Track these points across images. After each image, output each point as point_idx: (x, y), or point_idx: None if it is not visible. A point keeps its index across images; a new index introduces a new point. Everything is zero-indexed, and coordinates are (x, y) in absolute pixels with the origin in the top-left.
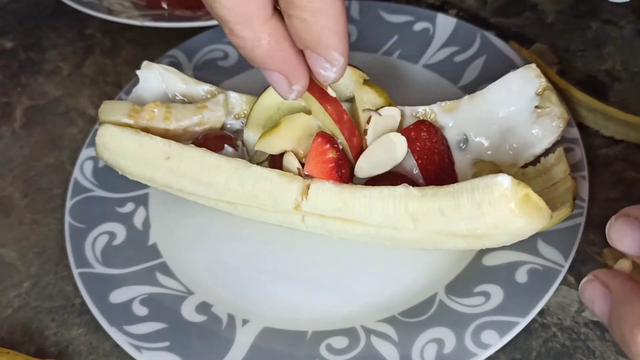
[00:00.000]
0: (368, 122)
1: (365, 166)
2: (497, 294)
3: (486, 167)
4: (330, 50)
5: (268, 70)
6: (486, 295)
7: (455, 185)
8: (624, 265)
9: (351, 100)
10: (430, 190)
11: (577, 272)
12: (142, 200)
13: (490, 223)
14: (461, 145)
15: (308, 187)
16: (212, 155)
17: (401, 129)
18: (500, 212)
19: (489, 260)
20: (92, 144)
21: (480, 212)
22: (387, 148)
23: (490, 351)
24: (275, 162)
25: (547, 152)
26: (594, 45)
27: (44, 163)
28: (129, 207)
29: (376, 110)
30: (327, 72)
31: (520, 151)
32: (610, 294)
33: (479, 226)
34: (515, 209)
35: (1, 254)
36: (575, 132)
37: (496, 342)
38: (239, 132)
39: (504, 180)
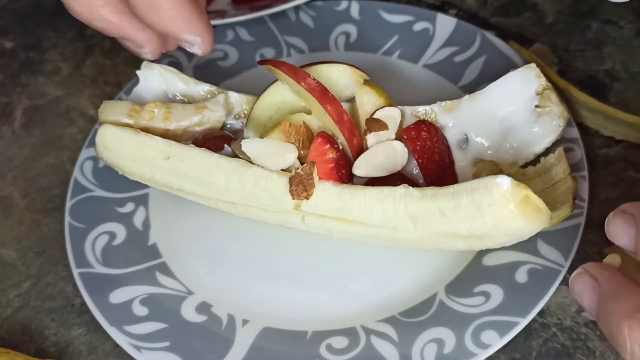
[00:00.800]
0: (369, 131)
1: (364, 166)
2: (497, 294)
3: (486, 166)
4: (181, 35)
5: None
6: (486, 295)
7: (455, 186)
8: (613, 259)
9: (351, 100)
10: (430, 190)
11: None
12: (142, 200)
13: (490, 224)
14: (462, 145)
15: None
16: (212, 155)
17: (401, 129)
18: (499, 213)
19: (489, 260)
20: (92, 144)
21: (480, 213)
22: (388, 154)
23: (490, 351)
24: None
25: (547, 152)
26: (594, 45)
27: (44, 163)
28: (129, 207)
29: (376, 110)
30: (192, 49)
31: (521, 150)
32: (598, 288)
33: (478, 227)
34: (515, 210)
35: (1, 254)
36: (575, 132)
37: (496, 342)
38: (239, 132)
39: (504, 182)
